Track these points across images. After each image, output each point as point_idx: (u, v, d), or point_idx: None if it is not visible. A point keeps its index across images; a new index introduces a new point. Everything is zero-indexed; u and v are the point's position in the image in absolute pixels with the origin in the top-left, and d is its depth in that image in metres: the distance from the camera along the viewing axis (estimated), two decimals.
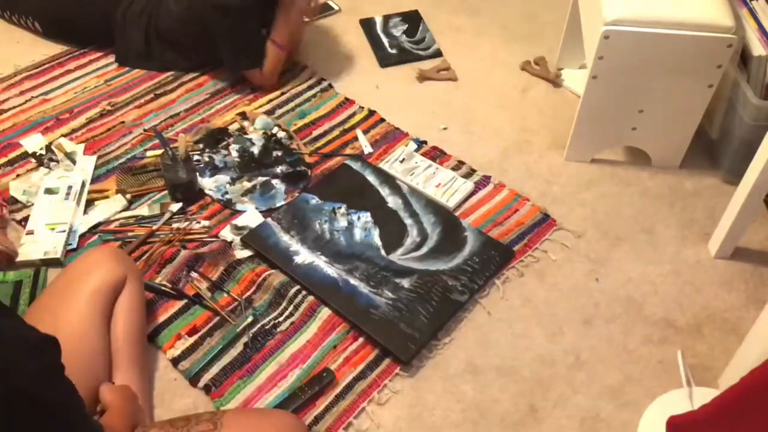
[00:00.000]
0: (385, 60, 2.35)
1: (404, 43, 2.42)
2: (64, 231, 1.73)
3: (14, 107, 2.12)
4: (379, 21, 2.52)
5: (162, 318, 1.60)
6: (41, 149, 1.96)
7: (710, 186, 1.98)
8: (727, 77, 1.86)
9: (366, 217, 1.83)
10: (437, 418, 1.47)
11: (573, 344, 1.61)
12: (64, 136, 2.02)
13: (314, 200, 1.86)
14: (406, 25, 2.49)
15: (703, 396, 1.44)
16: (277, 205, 1.86)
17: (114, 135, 2.04)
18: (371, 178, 1.94)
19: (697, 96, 1.85)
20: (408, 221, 1.83)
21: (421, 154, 2.01)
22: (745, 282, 1.75)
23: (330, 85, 2.25)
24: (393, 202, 1.87)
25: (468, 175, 1.97)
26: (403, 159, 1.98)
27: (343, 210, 1.84)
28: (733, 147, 1.91)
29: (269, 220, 1.80)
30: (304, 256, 1.72)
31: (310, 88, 2.23)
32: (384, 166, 1.97)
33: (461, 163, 2.01)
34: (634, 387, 1.53)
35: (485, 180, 1.96)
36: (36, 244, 1.70)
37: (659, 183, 1.99)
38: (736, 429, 1.21)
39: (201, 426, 1.18)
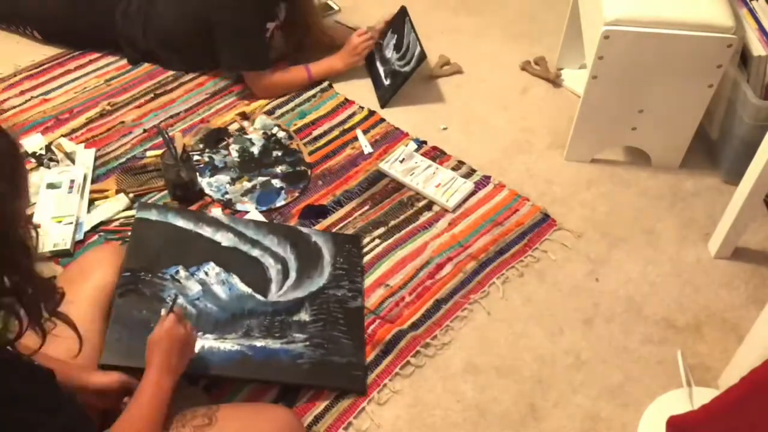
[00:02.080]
0: (384, 97, 2.18)
1: (394, 64, 2.19)
2: (72, 223, 1.74)
3: (14, 107, 2.12)
4: (377, 49, 2.28)
5: None
6: (41, 149, 1.96)
7: (710, 186, 1.98)
8: (727, 77, 1.86)
9: (213, 268, 1.56)
10: (437, 418, 1.47)
11: (573, 344, 1.61)
12: (64, 136, 2.02)
13: (145, 277, 1.49)
14: (395, 36, 2.24)
15: (703, 396, 1.44)
16: (277, 205, 1.86)
17: (114, 135, 2.04)
18: (181, 223, 1.63)
19: (697, 96, 1.85)
20: (255, 252, 1.62)
21: (421, 154, 2.01)
22: (745, 282, 1.75)
23: (330, 85, 2.25)
24: (224, 238, 1.63)
25: (468, 175, 1.97)
26: (403, 159, 1.98)
27: (182, 273, 1.53)
28: (733, 147, 1.92)
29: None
30: None
31: (310, 88, 2.23)
32: (384, 166, 1.97)
33: (461, 163, 2.01)
34: (634, 387, 1.53)
35: (485, 180, 1.96)
36: (44, 237, 1.71)
37: (659, 183, 1.99)
38: (736, 429, 1.21)
39: (196, 420, 1.20)
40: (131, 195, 1.83)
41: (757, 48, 1.78)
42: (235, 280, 1.56)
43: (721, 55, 1.75)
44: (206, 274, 1.55)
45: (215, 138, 2.03)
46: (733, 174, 1.89)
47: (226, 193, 1.88)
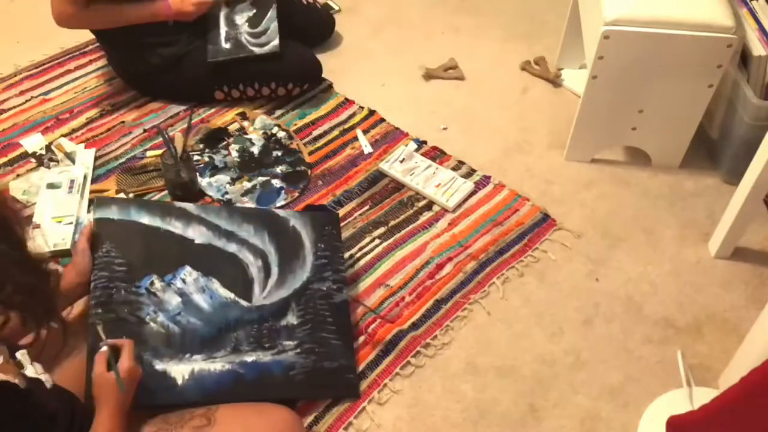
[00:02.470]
0: (214, 55, 2.04)
1: (242, 35, 2.08)
2: (72, 223, 1.75)
3: (14, 107, 2.13)
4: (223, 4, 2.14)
5: None
6: (41, 149, 1.96)
7: (710, 186, 1.98)
8: (727, 77, 1.86)
9: (189, 273, 1.43)
10: (437, 418, 1.47)
11: (573, 344, 1.61)
12: (64, 136, 2.02)
13: (117, 294, 1.35)
14: (254, 11, 2.12)
15: (703, 396, 1.44)
16: (277, 204, 1.86)
17: (114, 135, 2.04)
18: (147, 220, 1.45)
19: (697, 96, 1.85)
20: (232, 248, 1.49)
21: (421, 154, 2.01)
22: (745, 282, 1.75)
23: (330, 86, 2.25)
24: (196, 233, 1.48)
25: (468, 175, 1.97)
26: (403, 159, 1.98)
27: (158, 284, 1.39)
28: (733, 147, 1.91)
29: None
30: (176, 370, 1.34)
31: (311, 88, 2.23)
32: (384, 166, 1.97)
33: (461, 163, 2.01)
34: (634, 387, 1.53)
35: (485, 180, 1.96)
36: (44, 237, 1.72)
37: (659, 183, 1.99)
38: (736, 429, 1.21)
39: (195, 421, 1.18)
40: (131, 195, 1.82)
41: (757, 48, 1.78)
42: (216, 285, 1.44)
43: (721, 55, 1.75)
44: (183, 281, 1.42)
45: (215, 138, 2.03)
46: (733, 174, 1.89)
47: (226, 193, 1.88)
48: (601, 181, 1.99)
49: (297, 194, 1.89)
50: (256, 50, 2.06)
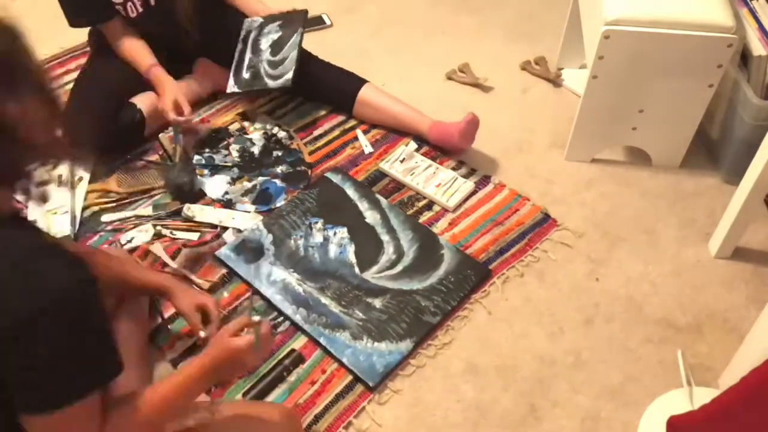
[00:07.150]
0: (234, 87, 2.05)
1: (262, 64, 2.04)
2: (67, 212, 1.77)
3: None
4: (257, 24, 2.11)
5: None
6: None
7: (710, 186, 1.98)
8: (728, 77, 1.86)
9: (342, 232, 1.79)
10: (437, 418, 1.47)
11: (573, 344, 1.61)
12: None
13: (291, 215, 1.82)
14: (279, 35, 2.07)
15: (703, 396, 1.44)
16: (277, 205, 1.86)
17: None
18: (350, 192, 1.89)
19: (698, 96, 1.85)
20: (385, 237, 1.78)
21: (422, 154, 2.01)
22: (745, 282, 1.75)
23: None
24: (371, 217, 1.83)
25: (468, 175, 1.97)
26: (404, 159, 1.98)
27: (319, 225, 1.80)
28: (733, 147, 1.92)
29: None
30: (276, 274, 1.69)
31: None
32: (384, 165, 1.97)
33: (461, 163, 2.01)
34: (634, 387, 1.54)
35: (485, 180, 1.96)
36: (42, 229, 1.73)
37: (659, 183, 1.99)
38: (736, 429, 1.21)
39: (198, 414, 1.21)
40: (158, 228, 1.77)
41: (757, 48, 1.78)
42: (351, 248, 1.76)
43: (721, 55, 1.75)
44: (334, 234, 1.79)
45: (215, 138, 2.03)
46: (733, 174, 1.89)
47: (227, 193, 1.88)
48: (601, 181, 1.99)
49: (297, 194, 1.89)
50: (270, 83, 2.01)
